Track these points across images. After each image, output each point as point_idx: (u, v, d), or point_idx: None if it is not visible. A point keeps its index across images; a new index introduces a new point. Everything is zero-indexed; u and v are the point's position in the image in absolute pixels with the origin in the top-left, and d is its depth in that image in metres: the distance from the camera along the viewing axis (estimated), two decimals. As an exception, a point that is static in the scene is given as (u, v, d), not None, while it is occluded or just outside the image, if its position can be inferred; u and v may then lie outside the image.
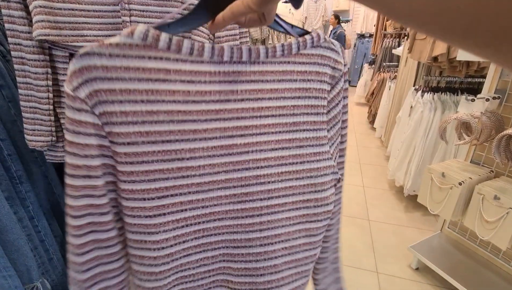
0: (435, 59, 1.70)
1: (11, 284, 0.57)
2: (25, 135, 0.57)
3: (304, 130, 0.36)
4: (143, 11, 0.55)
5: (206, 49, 0.31)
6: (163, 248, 0.33)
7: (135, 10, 0.54)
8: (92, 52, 0.28)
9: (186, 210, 0.33)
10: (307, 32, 0.36)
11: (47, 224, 0.70)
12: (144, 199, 0.31)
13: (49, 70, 0.53)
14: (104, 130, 0.30)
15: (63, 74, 0.55)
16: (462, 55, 1.39)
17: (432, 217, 1.86)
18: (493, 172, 1.27)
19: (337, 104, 0.38)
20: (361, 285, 1.40)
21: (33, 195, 0.67)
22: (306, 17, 5.51)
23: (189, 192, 0.33)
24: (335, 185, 0.39)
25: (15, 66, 0.53)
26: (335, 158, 0.40)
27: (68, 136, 0.29)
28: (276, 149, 0.35)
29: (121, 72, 0.29)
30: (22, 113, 0.56)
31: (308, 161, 0.37)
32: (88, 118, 0.29)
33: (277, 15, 0.34)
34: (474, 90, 1.79)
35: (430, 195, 1.31)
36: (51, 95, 0.54)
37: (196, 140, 0.32)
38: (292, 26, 0.37)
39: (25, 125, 0.56)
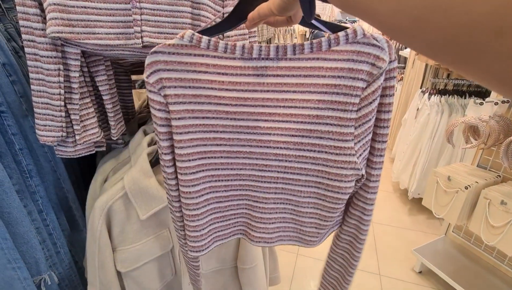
0: (443, 61, 1.68)
1: (20, 275, 0.58)
2: (36, 130, 0.58)
3: (327, 123, 0.38)
4: (154, 9, 0.56)
5: (237, 47, 0.37)
6: (202, 195, 0.45)
7: (146, 8, 0.55)
8: (158, 51, 0.38)
9: (218, 169, 0.44)
10: (343, 28, 0.36)
11: (55, 217, 0.71)
12: (189, 160, 0.42)
13: (61, 66, 0.54)
14: (168, 107, 0.40)
15: (74, 71, 0.55)
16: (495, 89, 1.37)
17: (436, 220, 1.85)
18: (500, 176, 1.26)
19: (371, 102, 0.37)
20: (364, 287, 1.39)
21: (43, 189, 0.68)
22: (312, 17, 5.48)
23: (221, 157, 0.43)
24: (357, 180, 0.42)
25: (28, 63, 0.54)
26: (363, 155, 0.41)
27: (151, 109, 0.41)
28: (296, 135, 0.40)
29: (175, 65, 0.38)
30: (34, 109, 0.57)
31: (326, 152, 0.40)
32: (156, 97, 0.39)
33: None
34: (482, 93, 1.77)
35: (435, 199, 1.30)
36: (62, 92, 0.55)
37: (227, 119, 0.40)
38: (326, 22, 0.39)
39: (36, 121, 0.57)
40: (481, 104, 1.35)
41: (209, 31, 0.40)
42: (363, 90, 0.36)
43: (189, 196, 0.44)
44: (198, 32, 0.38)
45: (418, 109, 1.91)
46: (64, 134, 0.59)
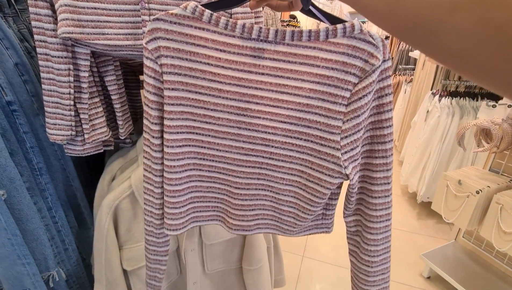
0: (454, 62, 1.65)
1: (29, 271, 0.60)
2: (47, 129, 0.59)
3: (316, 113, 0.39)
4: (162, 10, 0.56)
5: (238, 26, 0.37)
6: (185, 170, 0.45)
7: (155, 9, 0.55)
8: (160, 18, 0.38)
9: (204, 147, 0.43)
10: (342, 21, 0.36)
11: (64, 215, 0.72)
12: (177, 133, 0.42)
13: (71, 66, 0.55)
14: (162, 77, 0.39)
15: (84, 71, 0.56)
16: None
17: (446, 225, 1.81)
18: (513, 181, 1.22)
19: (361, 97, 0.36)
20: (370, 291, 1.37)
21: (52, 187, 0.69)
22: (321, 18, 5.45)
23: (209, 135, 0.42)
24: (339, 177, 0.41)
25: (40, 62, 0.55)
26: (350, 154, 0.39)
27: (144, 77, 0.40)
28: (284, 122, 0.40)
29: (175, 35, 0.38)
30: (45, 108, 0.58)
31: (312, 141, 0.40)
32: (152, 65, 0.39)
33: (312, 4, 0.37)
34: (494, 95, 1.73)
35: (445, 203, 1.28)
36: (72, 91, 0.56)
37: (219, 97, 0.40)
38: (326, 13, 0.39)
39: (47, 119, 0.58)
40: (494, 106, 1.32)
41: (213, 6, 0.39)
42: (355, 85, 0.36)
43: (173, 170, 0.43)
44: (202, 5, 0.38)
45: (428, 111, 1.88)
46: (73, 133, 0.60)
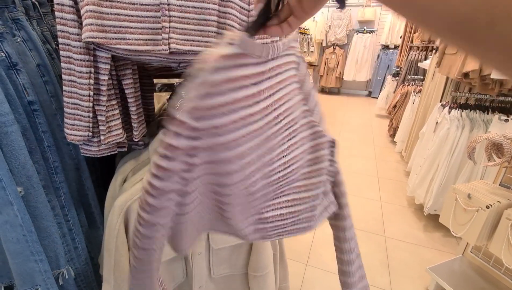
0: (465, 75, 1.64)
1: (41, 268, 0.61)
2: (65, 129, 0.60)
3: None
4: (182, 17, 0.58)
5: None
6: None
7: (175, 16, 0.57)
8: None
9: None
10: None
11: (75, 214, 0.74)
12: None
13: (92, 69, 0.56)
14: None
15: (104, 74, 0.58)
16: (497, 73, 1.33)
17: (453, 239, 1.78)
18: (524, 197, 1.20)
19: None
20: (374, 303, 1.35)
21: (66, 186, 0.71)
22: (330, 26, 5.48)
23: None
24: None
25: (62, 65, 0.56)
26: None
27: None
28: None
29: None
30: (64, 109, 0.60)
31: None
32: None
33: None
34: (506, 109, 1.71)
35: (453, 216, 1.26)
36: (91, 93, 0.58)
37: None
38: None
39: (65, 120, 0.60)
40: (506, 121, 1.30)
41: None
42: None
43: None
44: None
45: (437, 123, 1.86)
46: (90, 134, 0.61)
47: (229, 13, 0.60)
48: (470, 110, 1.74)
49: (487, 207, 1.12)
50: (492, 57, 0.18)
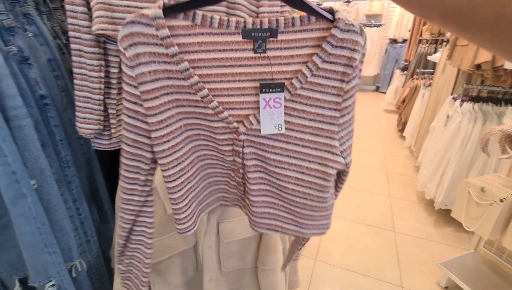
0: (477, 67, 1.60)
1: (55, 260, 0.61)
2: (76, 123, 0.61)
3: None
4: (191, 9, 0.57)
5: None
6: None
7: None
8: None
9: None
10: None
11: (87, 207, 0.74)
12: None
13: (103, 62, 0.56)
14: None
15: (114, 67, 0.58)
16: (510, 64, 1.29)
17: (465, 234, 1.75)
18: (540, 190, 1.17)
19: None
20: (385, 298, 1.34)
21: (77, 179, 0.71)
22: (336, 20, 5.40)
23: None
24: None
25: (73, 58, 0.57)
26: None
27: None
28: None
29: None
30: (75, 102, 0.60)
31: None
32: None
33: None
34: (520, 101, 1.66)
35: (466, 211, 1.23)
36: (102, 86, 0.58)
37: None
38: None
39: (77, 113, 0.60)
40: (521, 112, 1.26)
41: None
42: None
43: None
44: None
45: (448, 116, 1.82)
46: (101, 127, 0.61)
47: (238, 3, 0.59)
48: (483, 103, 1.70)
49: (501, 200, 1.09)
50: (480, 36, 0.21)
